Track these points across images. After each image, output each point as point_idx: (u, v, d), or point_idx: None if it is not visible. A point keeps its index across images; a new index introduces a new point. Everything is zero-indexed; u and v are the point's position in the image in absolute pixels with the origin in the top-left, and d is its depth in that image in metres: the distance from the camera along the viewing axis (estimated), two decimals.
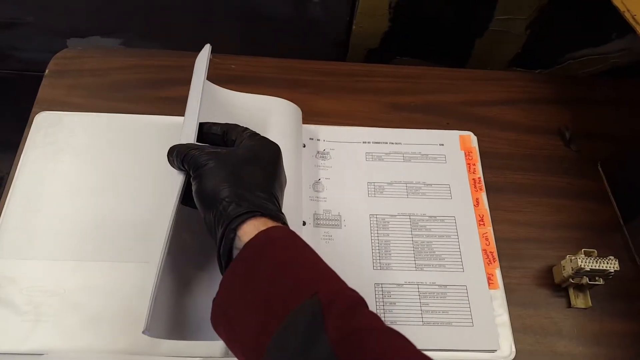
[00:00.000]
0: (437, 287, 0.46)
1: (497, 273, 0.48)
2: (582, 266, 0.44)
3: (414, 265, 0.47)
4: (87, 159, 0.50)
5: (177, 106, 0.48)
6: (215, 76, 0.54)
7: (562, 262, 0.46)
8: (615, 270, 0.44)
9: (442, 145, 0.54)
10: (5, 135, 0.98)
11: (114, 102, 0.55)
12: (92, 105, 0.54)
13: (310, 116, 0.54)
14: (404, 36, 0.72)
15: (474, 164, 0.54)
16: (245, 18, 0.71)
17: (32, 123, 0.52)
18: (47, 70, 0.57)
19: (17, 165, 0.49)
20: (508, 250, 0.49)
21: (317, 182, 0.50)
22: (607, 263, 0.44)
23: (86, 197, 0.48)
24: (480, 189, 0.52)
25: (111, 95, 0.55)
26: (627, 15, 0.50)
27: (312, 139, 0.53)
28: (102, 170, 0.49)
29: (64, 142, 0.51)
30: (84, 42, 0.71)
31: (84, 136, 0.51)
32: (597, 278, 0.45)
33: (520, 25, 0.70)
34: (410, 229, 0.49)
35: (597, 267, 0.44)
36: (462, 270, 0.47)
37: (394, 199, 0.50)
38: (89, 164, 0.50)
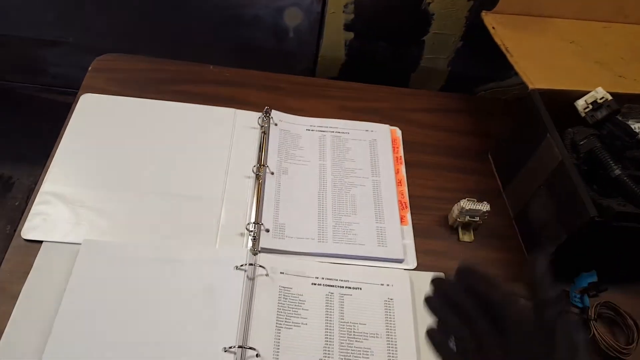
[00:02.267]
0: (361, 225, 0.65)
1: (408, 215, 0.67)
2: (463, 206, 0.64)
3: (350, 210, 0.66)
4: (119, 131, 0.69)
5: (185, 97, 0.72)
6: (213, 80, 0.76)
7: (453, 207, 0.66)
8: (487, 210, 0.64)
9: (375, 132, 0.75)
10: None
11: (139, 92, 0.75)
12: (123, 94, 0.74)
13: (282, 109, 0.75)
14: (356, 68, 0.95)
15: (398, 147, 0.75)
16: (239, 48, 0.93)
17: (77, 104, 0.72)
18: (90, 67, 0.77)
19: (63, 132, 0.68)
20: (418, 203, 0.69)
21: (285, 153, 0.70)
22: (481, 205, 0.64)
23: (122, 156, 0.67)
24: (401, 163, 0.73)
25: (137, 87, 0.75)
26: (503, 48, 0.73)
27: (282, 121, 0.73)
28: (134, 140, 0.68)
29: (102, 117, 0.70)
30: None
31: (118, 114, 0.71)
32: (476, 217, 0.65)
33: (443, 63, 0.94)
34: (349, 184, 0.69)
35: (473, 208, 0.64)
36: (382, 213, 0.66)
37: (336, 162, 0.70)
38: (120, 134, 0.69)
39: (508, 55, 0.71)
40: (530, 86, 0.66)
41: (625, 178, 0.60)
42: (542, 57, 0.72)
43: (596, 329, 0.59)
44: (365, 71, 0.95)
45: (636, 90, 0.69)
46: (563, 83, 0.68)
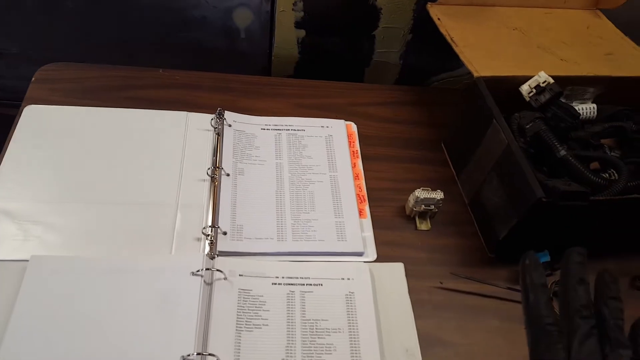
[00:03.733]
0: (320, 221, 0.65)
1: (366, 208, 0.68)
2: (418, 195, 0.65)
3: (309, 207, 0.66)
4: (66, 141, 0.67)
5: (135, 103, 0.70)
6: (163, 84, 0.75)
7: (409, 197, 0.67)
8: (441, 198, 0.65)
9: (331, 127, 0.75)
10: None
11: (87, 100, 0.73)
12: (69, 103, 0.72)
13: (235, 110, 0.74)
14: (311, 65, 0.95)
15: (354, 142, 0.75)
16: (191, 49, 0.92)
17: (20, 116, 0.69)
18: (33, 78, 0.75)
19: (8, 145, 0.66)
20: (375, 195, 0.69)
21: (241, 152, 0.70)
22: (435, 193, 0.65)
23: (71, 167, 0.65)
24: (357, 157, 0.73)
25: (84, 96, 0.74)
26: (448, 38, 0.75)
27: (236, 121, 0.73)
28: (83, 150, 0.67)
29: (47, 129, 0.68)
30: None
31: (65, 124, 0.69)
32: (431, 206, 0.66)
33: (395, 56, 0.95)
34: (307, 181, 0.68)
35: (428, 196, 0.65)
36: (341, 208, 0.67)
37: (293, 160, 0.70)
38: (68, 144, 0.67)
39: (453, 45, 0.72)
40: (475, 74, 0.67)
41: (570, 158, 0.62)
42: (487, 45, 0.74)
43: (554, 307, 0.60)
44: (320, 68, 0.95)
45: (577, 73, 0.71)
46: (507, 69, 0.69)
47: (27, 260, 0.55)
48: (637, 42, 0.80)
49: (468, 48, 0.72)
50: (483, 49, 0.72)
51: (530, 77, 0.68)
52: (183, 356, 0.49)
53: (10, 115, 0.86)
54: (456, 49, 0.72)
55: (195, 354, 0.49)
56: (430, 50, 0.94)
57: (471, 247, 0.67)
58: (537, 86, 0.67)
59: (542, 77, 0.67)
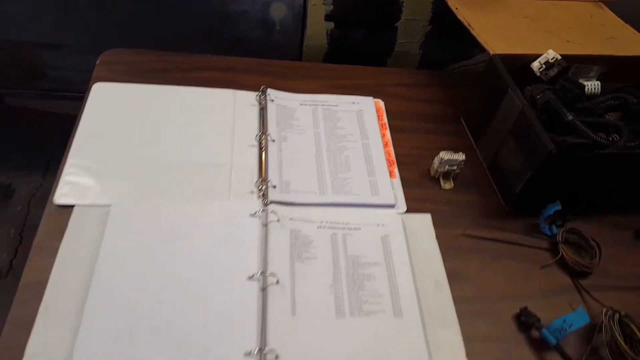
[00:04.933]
0: (355, 179, 0.74)
1: (395, 170, 0.76)
2: (443, 157, 0.73)
3: (345, 168, 0.75)
4: (131, 113, 0.77)
5: (187, 83, 0.81)
6: (209, 67, 0.84)
7: (434, 159, 0.76)
8: (462, 159, 0.74)
9: (361, 103, 0.85)
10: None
11: (145, 80, 0.82)
12: (130, 82, 0.82)
13: (274, 88, 0.84)
14: (338, 55, 1.04)
15: (382, 115, 0.84)
16: (231, 40, 1.02)
17: (89, 92, 0.79)
18: (98, 61, 0.84)
19: (81, 116, 0.75)
20: (403, 160, 0.78)
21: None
22: (458, 155, 0.74)
23: (137, 134, 0.74)
24: (386, 128, 0.82)
25: (142, 76, 0.83)
26: (466, 23, 0.84)
27: (277, 97, 0.82)
28: (146, 121, 0.76)
29: (114, 102, 0.78)
30: None
31: (128, 98, 0.79)
32: (454, 166, 0.75)
33: (415, 47, 1.05)
34: (342, 147, 0.77)
35: (451, 158, 0.74)
36: (373, 169, 0.75)
37: (329, 130, 0.79)
38: (133, 115, 0.77)
39: (471, 29, 0.82)
40: (492, 52, 0.77)
41: (577, 122, 0.70)
42: (500, 30, 0.83)
43: (564, 251, 0.68)
44: (346, 58, 1.05)
45: (582, 52, 0.80)
46: (519, 49, 0.79)
47: (109, 205, 0.64)
48: (636, 29, 0.89)
49: (484, 32, 0.81)
50: (497, 32, 0.82)
51: (539, 55, 0.77)
52: (249, 276, 0.58)
53: (59, 112, 0.95)
54: (473, 32, 0.81)
55: (259, 273, 0.58)
56: (447, 40, 1.03)
57: (490, 203, 0.75)
58: (546, 62, 0.76)
59: (551, 54, 0.76)
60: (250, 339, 0.53)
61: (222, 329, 0.54)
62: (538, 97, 0.74)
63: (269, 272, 0.59)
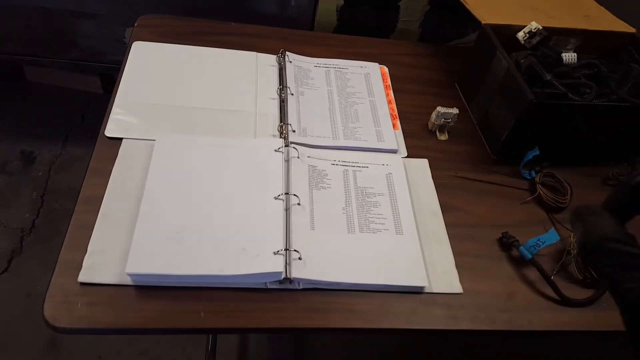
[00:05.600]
0: (363, 128, 0.85)
1: (398, 123, 0.87)
2: (439, 110, 0.85)
3: (354, 119, 0.86)
4: (168, 68, 0.88)
5: (214, 45, 0.91)
6: (234, 33, 0.95)
7: (432, 113, 0.87)
8: (456, 113, 0.85)
9: (368, 68, 0.96)
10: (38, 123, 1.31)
11: (177, 41, 0.93)
12: (169, 42, 0.92)
13: (292, 52, 0.95)
14: (346, 31, 1.16)
15: (386, 79, 0.96)
16: (250, 16, 1.13)
17: (130, 50, 0.89)
18: (135, 24, 0.95)
19: (123, 70, 0.85)
20: (405, 115, 0.89)
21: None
22: (452, 110, 0.85)
23: (173, 84, 0.85)
24: (390, 89, 0.94)
25: (175, 38, 0.94)
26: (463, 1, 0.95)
27: (295, 59, 0.93)
28: (181, 74, 0.87)
29: (152, 59, 0.88)
30: None
31: (167, 57, 0.89)
32: (449, 119, 0.86)
33: (415, 25, 1.16)
34: (352, 102, 0.89)
35: (446, 111, 0.85)
36: (379, 121, 0.87)
37: (340, 88, 0.90)
38: (170, 70, 0.87)
39: (466, 4, 0.93)
40: (483, 21, 0.88)
41: (554, 80, 0.82)
42: (492, 5, 0.95)
43: (541, 189, 0.80)
44: (353, 33, 1.16)
45: (561, 25, 0.92)
46: (507, 20, 0.90)
47: (153, 140, 0.74)
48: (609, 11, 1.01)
49: (478, 6, 0.93)
50: (489, 7, 0.93)
51: (525, 27, 0.89)
52: (275, 196, 0.68)
53: (79, 88, 1.04)
54: (467, 6, 0.93)
55: (283, 193, 0.69)
56: (444, 20, 1.15)
57: (479, 152, 0.86)
58: (530, 32, 0.88)
59: (534, 25, 0.88)
60: (277, 243, 0.64)
61: (254, 234, 0.65)
62: (522, 61, 0.85)
63: (291, 194, 0.70)
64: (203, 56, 0.91)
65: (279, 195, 0.69)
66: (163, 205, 0.66)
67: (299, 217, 0.68)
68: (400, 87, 0.95)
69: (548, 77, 0.82)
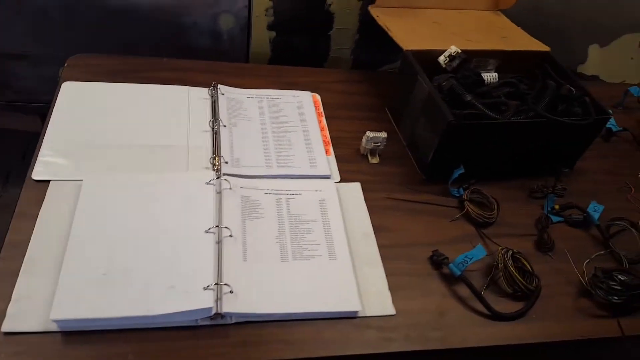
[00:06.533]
0: (296, 156, 0.86)
1: (331, 149, 0.90)
2: (368, 135, 0.88)
3: (287, 147, 0.87)
4: (98, 106, 0.87)
5: (146, 81, 0.91)
6: (165, 69, 0.96)
7: (362, 138, 0.89)
8: (385, 137, 0.88)
9: (300, 97, 0.98)
10: None
11: (107, 80, 0.93)
12: (100, 81, 0.92)
13: (226, 84, 0.96)
14: (280, 61, 1.18)
15: (319, 106, 0.98)
16: (183, 49, 1.14)
17: (59, 90, 0.89)
18: (65, 64, 0.94)
19: (52, 110, 0.85)
20: (338, 141, 0.92)
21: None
22: (381, 134, 0.88)
23: (104, 122, 0.84)
24: (322, 116, 0.96)
25: (105, 77, 0.94)
26: (384, 27, 0.99)
27: (227, 92, 0.94)
28: (112, 112, 0.86)
29: (81, 98, 0.88)
30: None
31: (97, 95, 0.89)
32: (378, 143, 0.89)
33: (346, 53, 1.20)
34: (284, 131, 0.90)
35: (375, 136, 0.88)
36: (312, 148, 0.88)
37: (273, 118, 0.92)
38: (100, 108, 0.87)
39: (388, 31, 0.97)
40: (405, 48, 0.92)
41: (474, 101, 0.86)
42: (413, 31, 0.99)
43: (468, 206, 0.83)
44: (288, 64, 1.18)
45: (480, 47, 0.97)
46: (428, 45, 0.94)
47: (81, 180, 0.74)
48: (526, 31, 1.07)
49: (400, 33, 0.97)
50: (411, 34, 0.98)
51: (445, 51, 0.93)
52: (205, 230, 0.69)
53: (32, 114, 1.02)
54: (390, 34, 0.97)
55: (214, 226, 0.69)
56: (373, 47, 1.19)
57: (409, 173, 0.89)
58: (450, 55, 0.92)
59: (453, 49, 0.93)
60: (207, 277, 0.64)
61: (184, 270, 0.64)
62: (444, 83, 0.89)
63: (223, 226, 0.70)
64: (134, 93, 0.91)
65: (210, 229, 0.69)
66: (89, 247, 0.65)
67: (230, 249, 0.69)
68: (332, 113, 0.98)
69: (468, 97, 0.86)
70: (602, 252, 0.82)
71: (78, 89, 0.89)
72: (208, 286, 0.63)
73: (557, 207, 0.86)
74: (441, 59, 0.93)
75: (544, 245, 0.81)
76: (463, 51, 0.93)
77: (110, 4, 1.05)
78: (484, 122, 0.81)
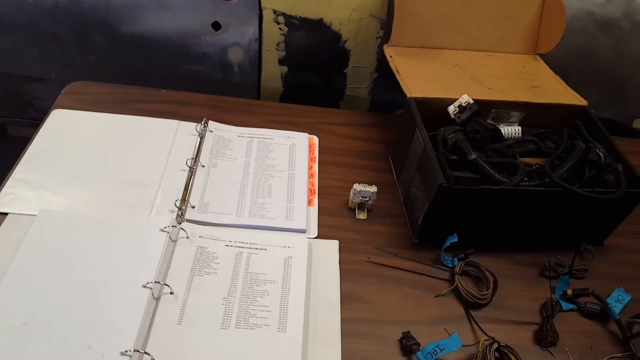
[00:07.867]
0: (274, 205, 0.79)
1: (315, 199, 0.81)
2: (356, 188, 0.78)
3: (266, 194, 0.80)
4: (81, 136, 0.85)
5: (138, 113, 0.88)
6: (163, 100, 0.92)
7: (350, 191, 0.80)
8: (374, 191, 0.78)
9: (295, 138, 0.91)
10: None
11: (102, 109, 0.91)
12: (89, 110, 0.90)
13: (220, 122, 0.91)
14: (294, 97, 1.12)
15: (314, 150, 0.90)
16: (193, 80, 1.11)
17: (48, 117, 0.88)
18: (62, 91, 0.94)
19: (34, 137, 0.84)
20: (326, 190, 0.83)
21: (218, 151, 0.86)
22: (370, 187, 0.79)
23: (78, 157, 0.82)
24: (314, 162, 0.88)
25: (100, 106, 0.92)
26: (394, 69, 0.90)
27: (217, 129, 0.89)
28: (92, 143, 0.84)
29: (66, 126, 0.86)
30: None
31: (82, 125, 0.87)
32: (367, 197, 0.79)
33: (364, 92, 1.12)
34: (268, 175, 0.83)
35: (364, 189, 0.78)
36: (293, 196, 0.81)
37: (259, 160, 0.86)
38: (82, 138, 0.85)
39: (397, 75, 0.88)
40: (409, 95, 0.83)
41: (479, 160, 0.75)
42: (426, 76, 0.89)
43: (459, 281, 0.71)
44: (302, 100, 1.12)
45: (501, 98, 0.85)
46: (438, 93, 0.84)
47: (36, 215, 0.70)
48: (566, 79, 0.94)
49: (408, 77, 0.87)
50: (422, 78, 0.88)
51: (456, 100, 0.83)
52: (143, 284, 0.63)
53: None
54: (398, 77, 0.88)
55: (153, 282, 0.63)
56: (393, 87, 1.10)
57: (401, 234, 0.79)
58: (460, 106, 0.82)
59: (465, 98, 0.82)
60: (129, 341, 0.57)
61: (105, 329, 0.58)
62: (449, 137, 0.79)
63: (164, 282, 0.64)
64: (122, 125, 0.88)
65: (148, 283, 0.63)
66: (20, 291, 0.61)
67: (166, 310, 0.62)
68: (328, 159, 0.90)
69: (473, 156, 0.75)
70: (619, 354, 0.67)
71: (66, 117, 0.88)
72: (126, 351, 0.56)
73: (569, 292, 0.72)
74: (451, 109, 0.82)
75: (544, 339, 0.67)
76: (479, 101, 0.82)
77: (121, 31, 1.04)
78: (479, 187, 0.69)
